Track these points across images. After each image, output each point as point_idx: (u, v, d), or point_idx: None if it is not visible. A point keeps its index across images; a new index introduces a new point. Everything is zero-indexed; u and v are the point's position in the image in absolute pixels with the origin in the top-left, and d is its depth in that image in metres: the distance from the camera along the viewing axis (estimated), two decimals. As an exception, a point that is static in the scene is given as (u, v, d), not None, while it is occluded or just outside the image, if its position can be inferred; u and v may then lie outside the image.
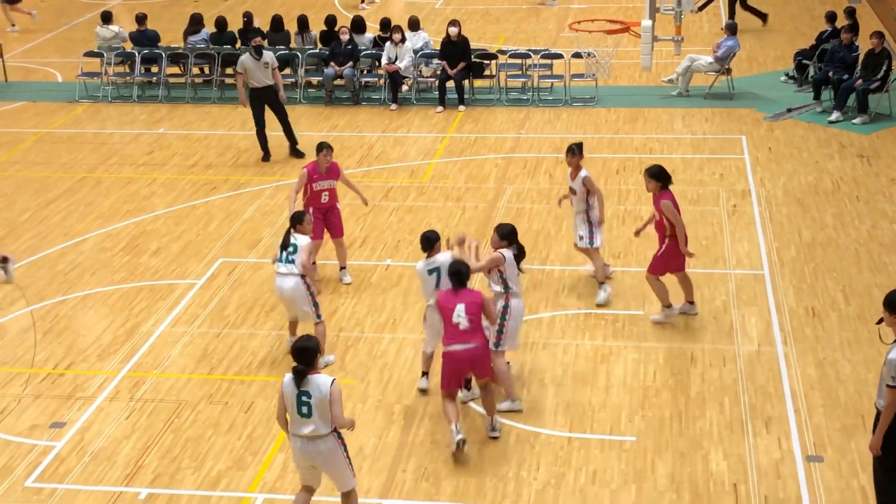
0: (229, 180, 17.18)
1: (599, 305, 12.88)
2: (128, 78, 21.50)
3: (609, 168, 17.03)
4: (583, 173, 12.81)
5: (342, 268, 13.85)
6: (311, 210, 12.93)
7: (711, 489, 9.82)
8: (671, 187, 12.22)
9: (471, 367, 10.31)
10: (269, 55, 17.58)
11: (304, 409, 8.77)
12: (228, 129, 19.47)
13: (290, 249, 11.57)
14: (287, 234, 11.68)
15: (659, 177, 12.15)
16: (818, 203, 15.52)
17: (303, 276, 11.56)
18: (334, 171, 13.41)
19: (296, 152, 17.90)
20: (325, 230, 13.56)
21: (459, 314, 10.14)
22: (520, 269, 11.11)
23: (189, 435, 10.81)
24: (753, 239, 14.48)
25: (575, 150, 12.86)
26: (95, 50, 21.86)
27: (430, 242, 11.10)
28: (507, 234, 11.06)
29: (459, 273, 10.33)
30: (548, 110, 19.93)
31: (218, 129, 19.56)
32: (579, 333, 12.31)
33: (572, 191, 12.99)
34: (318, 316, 11.74)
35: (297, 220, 11.76)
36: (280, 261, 11.62)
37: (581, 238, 13.06)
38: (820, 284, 13.27)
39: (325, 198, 13.37)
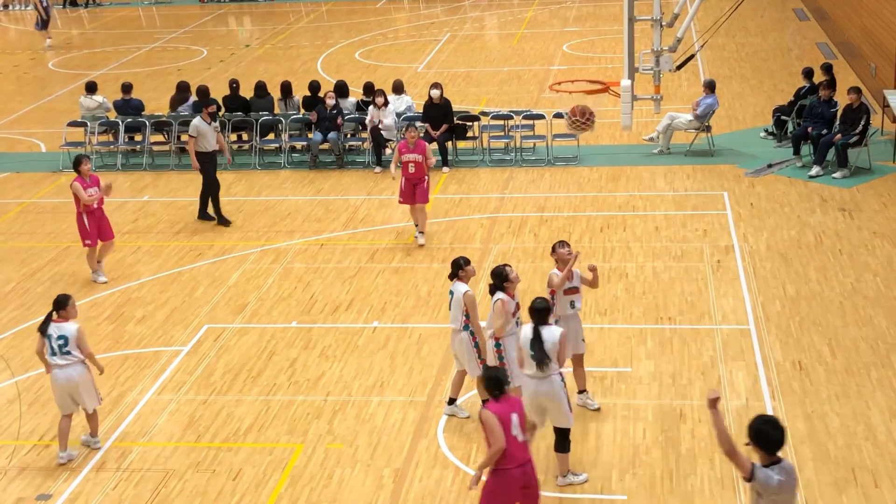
0: (214, 246, 17.19)
1: None
2: (112, 147, 21.58)
3: (593, 226, 17.11)
4: (577, 271, 11.72)
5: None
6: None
7: (704, 547, 9.76)
8: None
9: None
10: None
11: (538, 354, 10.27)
12: (213, 196, 19.49)
13: (61, 342, 11.19)
14: (47, 320, 11.29)
15: None
16: (801, 257, 15.60)
17: (83, 362, 11.36)
18: None
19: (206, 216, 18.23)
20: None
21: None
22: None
23: (177, 504, 10.71)
24: (738, 294, 14.52)
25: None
26: (79, 119, 21.97)
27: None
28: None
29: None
30: (531, 170, 20.05)
31: (202, 195, 19.58)
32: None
33: (576, 289, 11.70)
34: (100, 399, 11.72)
35: (60, 306, 11.32)
36: (53, 354, 11.24)
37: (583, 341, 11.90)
38: (806, 338, 13.29)
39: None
